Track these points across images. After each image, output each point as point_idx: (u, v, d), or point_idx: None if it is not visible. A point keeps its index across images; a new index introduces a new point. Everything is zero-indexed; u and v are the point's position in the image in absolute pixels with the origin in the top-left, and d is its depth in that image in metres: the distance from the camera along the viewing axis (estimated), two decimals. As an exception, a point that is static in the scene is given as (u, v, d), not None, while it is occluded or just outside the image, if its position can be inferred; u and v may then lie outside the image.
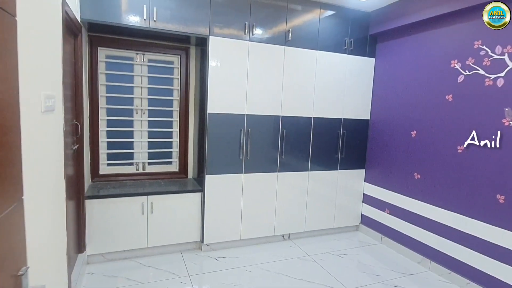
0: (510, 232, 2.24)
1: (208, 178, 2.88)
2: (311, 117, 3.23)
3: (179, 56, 3.16)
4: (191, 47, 3.18)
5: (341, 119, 3.38)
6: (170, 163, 3.28)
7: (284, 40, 3.00)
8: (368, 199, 3.56)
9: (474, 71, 2.48)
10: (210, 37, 2.73)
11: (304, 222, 3.36)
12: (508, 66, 2.25)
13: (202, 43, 2.99)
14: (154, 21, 2.55)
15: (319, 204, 3.40)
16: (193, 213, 2.93)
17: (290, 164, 3.20)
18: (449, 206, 2.67)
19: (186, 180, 3.26)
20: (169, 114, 3.21)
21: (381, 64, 3.39)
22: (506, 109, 2.25)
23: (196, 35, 2.72)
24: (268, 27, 2.94)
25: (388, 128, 3.30)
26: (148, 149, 3.17)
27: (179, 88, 3.19)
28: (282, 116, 3.09)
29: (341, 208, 3.53)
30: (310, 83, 3.17)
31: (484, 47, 2.41)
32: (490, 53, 2.37)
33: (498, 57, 2.31)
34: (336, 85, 3.30)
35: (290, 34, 3.00)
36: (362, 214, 3.64)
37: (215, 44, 2.76)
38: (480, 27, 2.43)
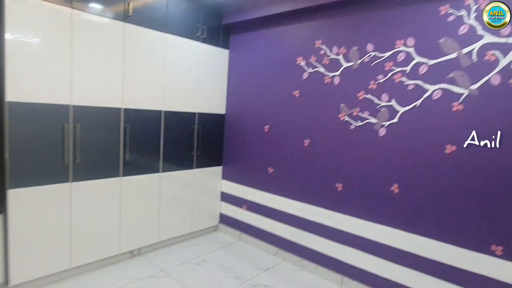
0: (347, 216, 2.48)
1: (13, 194, 2.05)
2: (162, 111, 2.80)
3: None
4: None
5: (196, 113, 3.09)
6: None
7: (123, 15, 2.45)
8: (226, 197, 3.43)
9: (316, 69, 2.64)
10: (5, -8, 1.91)
11: (157, 231, 2.91)
12: (343, 65, 2.47)
13: (-4, 2, 2.09)
14: None
15: (175, 208, 3.03)
16: (-12, 245, 2.04)
17: (137, 165, 2.69)
18: (298, 197, 2.79)
19: (-22, 198, 2.27)
20: None
21: (235, 57, 3.29)
22: (342, 105, 2.48)
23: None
24: (101, -5, 2.33)
25: (243, 122, 3.23)
26: None
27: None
28: (124, 108, 2.53)
29: (199, 210, 3.27)
30: (159, 71, 2.74)
31: (323, 46, 2.58)
32: (328, 52, 2.55)
33: (335, 57, 2.51)
34: (189, 76, 2.98)
35: (131, 8, 2.47)
36: (220, 213, 3.48)
37: (15, 3, 1.95)
38: (321, 27, 2.59)
